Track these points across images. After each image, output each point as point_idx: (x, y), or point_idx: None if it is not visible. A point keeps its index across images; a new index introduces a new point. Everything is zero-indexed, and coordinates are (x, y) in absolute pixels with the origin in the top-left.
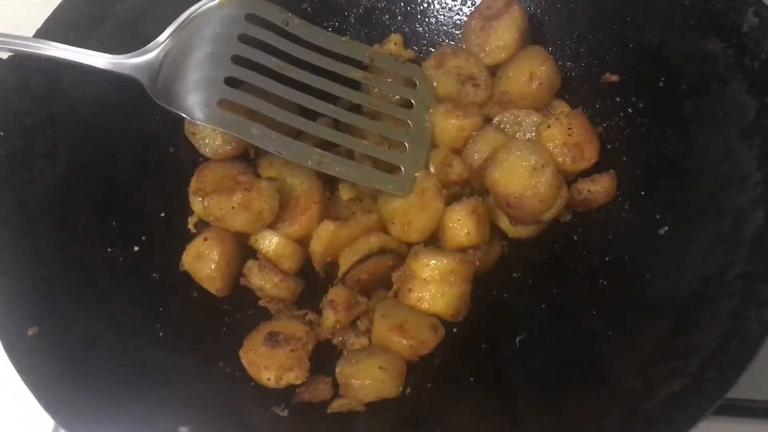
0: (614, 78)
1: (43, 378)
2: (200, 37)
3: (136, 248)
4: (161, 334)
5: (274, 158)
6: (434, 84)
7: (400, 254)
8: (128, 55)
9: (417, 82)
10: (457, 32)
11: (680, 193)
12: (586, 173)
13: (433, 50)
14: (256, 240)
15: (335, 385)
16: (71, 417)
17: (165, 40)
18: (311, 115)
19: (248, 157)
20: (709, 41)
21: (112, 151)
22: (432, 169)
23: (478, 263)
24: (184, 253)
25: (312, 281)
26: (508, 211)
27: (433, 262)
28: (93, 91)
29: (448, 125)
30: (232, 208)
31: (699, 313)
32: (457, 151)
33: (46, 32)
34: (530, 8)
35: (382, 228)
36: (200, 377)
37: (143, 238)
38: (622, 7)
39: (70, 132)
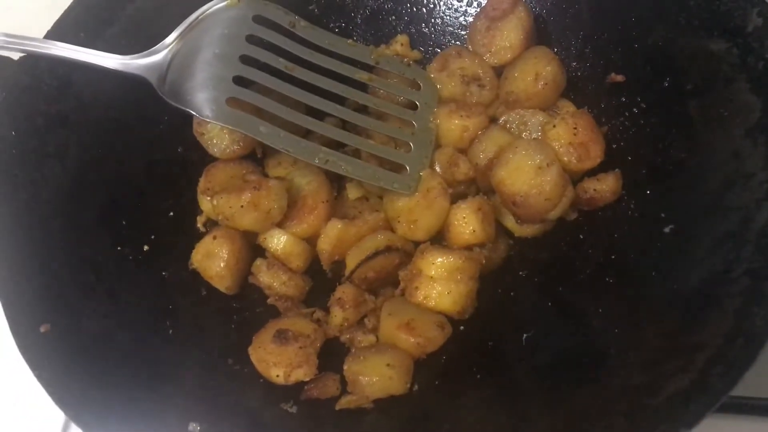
0: (619, 78)
1: (55, 374)
2: (208, 38)
3: (146, 247)
4: (171, 331)
5: (282, 158)
6: (438, 86)
7: (406, 252)
8: (137, 55)
9: (421, 84)
10: (462, 33)
11: (685, 191)
12: (592, 172)
13: (439, 51)
14: (265, 239)
15: (343, 382)
16: (83, 412)
17: (173, 41)
18: (318, 115)
19: (256, 157)
20: (713, 41)
21: (122, 150)
22: (438, 168)
23: (484, 261)
24: (194, 251)
25: (320, 279)
26: (514, 210)
27: (439, 260)
28: (103, 91)
29: (452, 125)
30: (241, 207)
31: (705, 310)
32: (463, 151)
33: (57, 33)
34: (536, 9)
35: (389, 227)
36: (210, 374)
37: (153, 236)
38: (627, 8)
39: (80, 132)
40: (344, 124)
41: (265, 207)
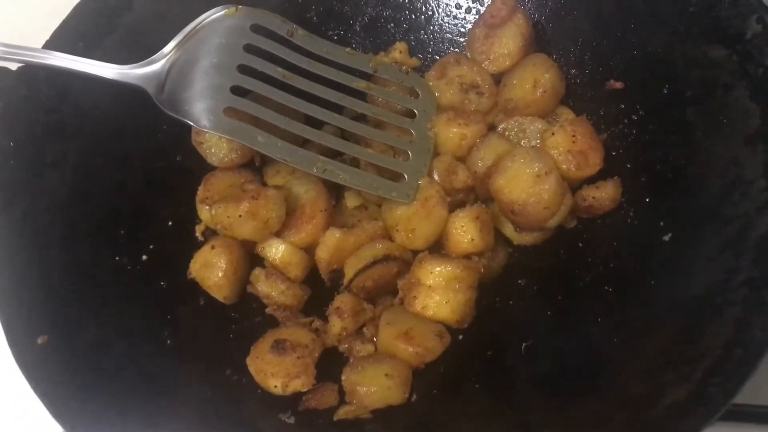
0: (619, 85)
1: (52, 386)
2: (206, 47)
3: (144, 257)
4: (169, 341)
5: (281, 167)
6: (436, 94)
7: (405, 261)
8: (135, 65)
9: (419, 92)
10: (461, 40)
11: (685, 199)
12: (591, 180)
13: (438, 58)
14: (263, 248)
15: (341, 392)
16: (80, 425)
17: (171, 51)
18: (316, 124)
19: (255, 166)
20: (713, 48)
21: (121, 160)
22: (436, 177)
23: (482, 270)
24: (192, 261)
25: (318, 289)
26: (513, 218)
27: (437, 269)
28: (101, 101)
29: (451, 133)
30: (240, 216)
31: (704, 319)
32: (461, 159)
33: (55, 43)
34: (534, 16)
35: (388, 235)
36: (208, 384)
37: (151, 246)
38: (626, 15)
39: (79, 141)
40: (342, 133)
41: (263, 216)
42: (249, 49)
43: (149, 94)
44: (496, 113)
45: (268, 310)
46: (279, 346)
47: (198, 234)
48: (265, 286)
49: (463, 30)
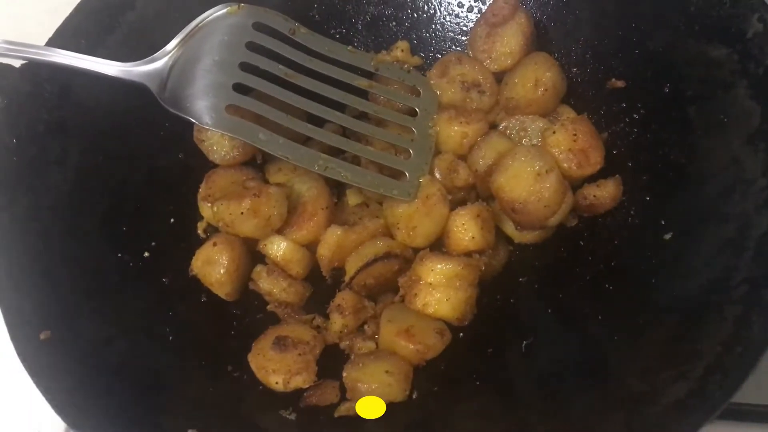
0: (620, 84)
1: (55, 381)
2: (208, 45)
3: (146, 253)
4: (171, 338)
5: (282, 164)
6: (438, 92)
7: (406, 259)
8: (138, 62)
9: (421, 90)
10: (463, 38)
11: (685, 198)
12: (592, 178)
13: (440, 56)
14: (265, 245)
15: (342, 389)
16: (82, 419)
17: (174, 48)
18: (318, 122)
19: (256, 163)
20: (714, 47)
21: (123, 157)
22: (438, 175)
23: (483, 268)
24: (194, 258)
25: (319, 286)
26: (514, 217)
27: (438, 266)
28: (104, 98)
29: (452, 132)
30: (241, 213)
31: (704, 317)
32: (462, 157)
33: (58, 41)
34: (536, 15)
35: (389, 233)
36: (209, 381)
37: (153, 243)
38: (627, 14)
39: (81, 139)
40: (344, 131)
41: (265, 213)
42: (251, 46)
43: (151, 92)
44: (498, 112)
45: (269, 307)
46: (280, 343)
47: (200, 231)
48: (266, 283)
49: (464, 28)
